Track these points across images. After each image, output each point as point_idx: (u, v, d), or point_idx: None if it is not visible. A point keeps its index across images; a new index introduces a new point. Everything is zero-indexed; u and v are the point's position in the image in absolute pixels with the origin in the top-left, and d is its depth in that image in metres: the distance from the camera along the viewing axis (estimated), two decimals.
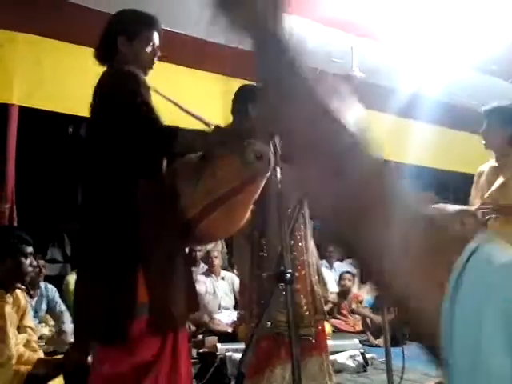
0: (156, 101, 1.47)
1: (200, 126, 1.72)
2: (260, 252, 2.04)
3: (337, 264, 5.75)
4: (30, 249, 2.40)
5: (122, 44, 1.47)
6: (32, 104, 3.47)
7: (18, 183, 3.42)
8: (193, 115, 1.64)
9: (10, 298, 2.42)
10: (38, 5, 2.94)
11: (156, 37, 1.52)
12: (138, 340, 1.36)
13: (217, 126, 1.53)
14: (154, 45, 1.51)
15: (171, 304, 1.39)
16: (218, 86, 4.19)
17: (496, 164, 2.23)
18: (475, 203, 2.24)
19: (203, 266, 4.67)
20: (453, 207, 2.15)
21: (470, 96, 4.53)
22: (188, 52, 3.65)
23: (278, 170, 1.41)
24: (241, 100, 2.03)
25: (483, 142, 2.24)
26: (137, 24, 1.50)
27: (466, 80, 4.38)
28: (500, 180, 2.13)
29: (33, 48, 3.40)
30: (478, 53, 3.83)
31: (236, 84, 4.37)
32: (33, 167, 4.45)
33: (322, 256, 5.75)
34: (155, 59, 1.53)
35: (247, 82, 4.28)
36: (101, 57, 1.51)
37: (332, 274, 5.38)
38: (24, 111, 3.46)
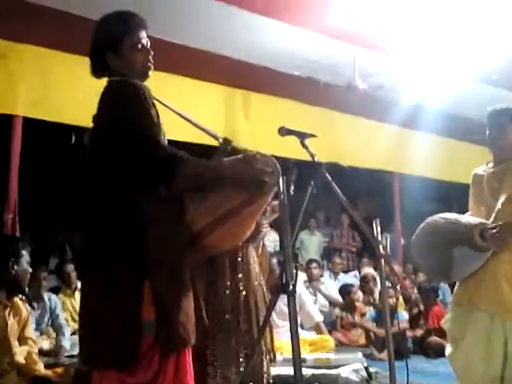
0: (161, 112, 1.45)
1: (207, 138, 1.70)
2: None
3: (341, 275, 5.71)
4: (28, 257, 2.42)
5: (110, 60, 1.43)
6: (36, 115, 3.49)
7: (20, 193, 3.42)
8: (201, 128, 1.62)
9: (8, 305, 2.42)
10: (43, 16, 2.97)
11: (142, 35, 1.45)
12: (140, 360, 1.29)
13: (225, 139, 1.50)
14: (142, 45, 1.44)
15: (180, 323, 1.33)
16: (219, 95, 4.21)
17: (494, 169, 2.10)
18: (477, 209, 2.16)
19: None
20: (468, 218, 2.07)
21: (472, 106, 4.53)
22: (190, 62, 3.67)
23: (281, 180, 1.40)
24: None
25: (492, 142, 2.09)
26: (119, 33, 1.42)
27: (469, 90, 4.39)
28: (506, 190, 2.06)
29: (37, 59, 3.43)
30: (481, 63, 3.84)
31: (237, 94, 4.43)
32: (34, 177, 4.46)
33: (326, 267, 5.72)
34: (150, 58, 1.46)
35: (248, 93, 4.32)
36: (96, 73, 1.48)
37: (336, 286, 5.34)
38: (26, 120, 3.48)
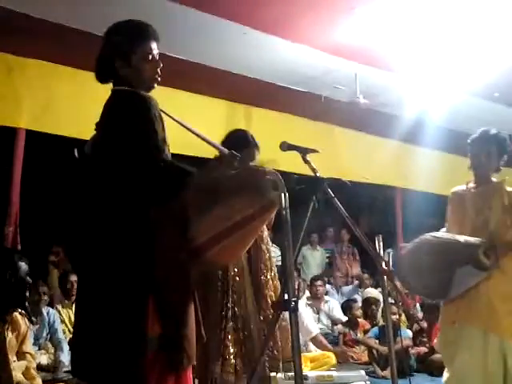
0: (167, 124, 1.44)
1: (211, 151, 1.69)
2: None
3: (344, 288, 5.67)
4: (27, 269, 2.41)
5: (119, 67, 1.41)
6: (40, 128, 3.51)
7: (22, 206, 3.42)
8: (208, 141, 1.62)
9: (7, 319, 2.39)
10: (47, 31, 3.02)
11: (153, 46, 1.44)
12: (142, 376, 1.26)
13: (231, 153, 1.50)
14: (153, 57, 1.44)
15: (186, 339, 1.32)
16: (221, 110, 4.24)
17: (478, 189, 2.20)
18: (459, 226, 2.18)
19: None
20: (464, 236, 2.07)
21: (473, 122, 4.55)
22: (191, 77, 3.70)
23: (283, 196, 1.40)
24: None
25: (477, 166, 2.22)
26: (129, 41, 1.42)
27: (469, 107, 4.41)
28: (494, 211, 2.10)
29: (42, 73, 3.47)
30: (481, 80, 3.87)
31: (239, 109, 4.45)
32: (36, 190, 4.46)
33: (328, 280, 5.68)
34: (159, 71, 1.46)
35: (250, 107, 4.34)
36: (101, 80, 1.47)
37: (339, 300, 5.29)
38: (28, 133, 3.50)
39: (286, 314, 1.48)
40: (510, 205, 2.08)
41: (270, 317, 2.01)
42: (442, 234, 2.20)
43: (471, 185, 2.25)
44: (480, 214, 2.13)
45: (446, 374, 2.13)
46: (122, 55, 1.42)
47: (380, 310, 4.55)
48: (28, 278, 2.44)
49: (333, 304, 5.00)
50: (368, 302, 4.71)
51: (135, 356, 1.25)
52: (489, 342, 1.96)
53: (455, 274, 2.01)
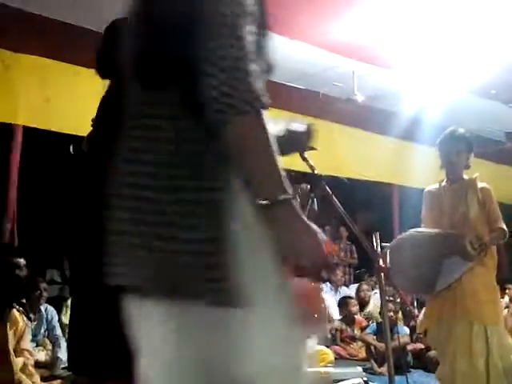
0: None
1: None
2: None
3: (343, 289, 5.67)
4: (24, 266, 2.41)
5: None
6: (37, 124, 3.49)
7: (19, 203, 3.42)
8: None
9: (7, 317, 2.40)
10: (44, 27, 3.00)
11: None
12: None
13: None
14: None
15: None
16: None
17: (452, 186, 2.31)
18: (437, 221, 2.25)
19: None
20: (447, 230, 2.13)
21: (470, 120, 4.56)
22: None
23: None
24: None
25: (449, 165, 2.33)
26: None
27: (466, 104, 4.42)
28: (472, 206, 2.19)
29: (38, 69, 3.46)
30: (478, 77, 3.88)
31: None
32: (33, 186, 4.45)
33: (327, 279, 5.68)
34: None
35: None
36: (102, 76, 1.48)
37: (335, 299, 5.29)
38: (26, 130, 3.49)
39: None
40: (484, 200, 2.20)
41: None
42: (425, 229, 2.25)
43: (444, 183, 2.37)
44: (456, 210, 2.23)
45: (438, 368, 2.24)
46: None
47: (372, 298, 4.65)
48: (26, 274, 2.44)
49: (329, 302, 5.00)
50: (360, 288, 4.93)
51: (128, 345, 1.26)
52: (473, 331, 2.07)
53: (442, 265, 2.07)
